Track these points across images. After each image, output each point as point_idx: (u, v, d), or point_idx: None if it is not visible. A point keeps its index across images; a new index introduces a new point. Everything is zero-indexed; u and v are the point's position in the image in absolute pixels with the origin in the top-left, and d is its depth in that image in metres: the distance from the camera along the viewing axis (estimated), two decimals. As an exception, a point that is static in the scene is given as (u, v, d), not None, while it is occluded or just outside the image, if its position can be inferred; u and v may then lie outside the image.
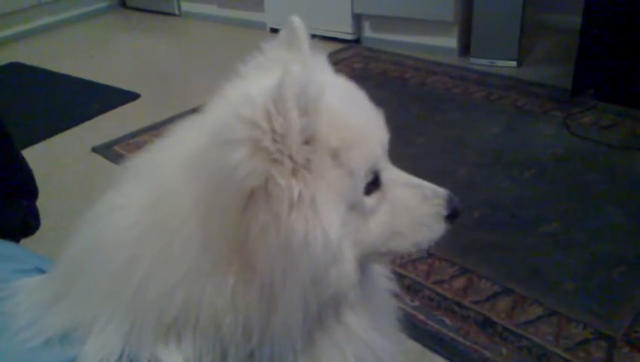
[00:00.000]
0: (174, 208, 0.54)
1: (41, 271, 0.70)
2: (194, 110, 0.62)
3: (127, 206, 0.56)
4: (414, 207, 0.64)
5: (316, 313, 0.56)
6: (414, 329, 1.39)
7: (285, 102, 0.48)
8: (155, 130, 2.55)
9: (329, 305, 0.58)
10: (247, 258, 0.52)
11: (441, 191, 0.66)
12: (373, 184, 0.60)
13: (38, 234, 1.18)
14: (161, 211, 0.54)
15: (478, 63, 2.97)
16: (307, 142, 0.52)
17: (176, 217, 0.53)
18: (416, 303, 1.49)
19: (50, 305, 0.57)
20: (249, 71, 0.64)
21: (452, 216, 0.66)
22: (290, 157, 0.50)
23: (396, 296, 0.75)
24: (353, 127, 0.58)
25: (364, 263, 0.62)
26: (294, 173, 0.51)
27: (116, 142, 2.52)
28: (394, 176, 0.65)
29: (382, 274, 0.74)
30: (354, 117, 0.60)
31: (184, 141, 0.58)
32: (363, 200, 0.59)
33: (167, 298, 0.52)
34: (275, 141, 0.49)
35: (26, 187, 1.19)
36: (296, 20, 0.66)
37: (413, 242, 0.65)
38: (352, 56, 3.28)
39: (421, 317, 1.45)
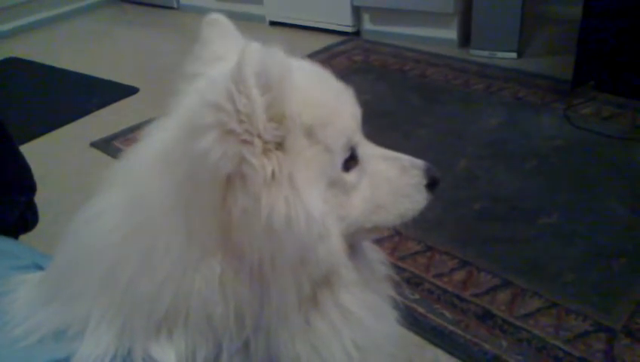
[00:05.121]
0: (153, 206, 0.53)
1: (39, 268, 0.70)
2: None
3: (108, 210, 0.56)
4: (394, 179, 0.65)
5: (310, 294, 0.56)
6: (414, 322, 1.40)
7: (245, 80, 0.48)
8: (154, 124, 2.54)
9: (323, 285, 0.58)
10: (233, 246, 0.51)
11: (419, 162, 0.67)
12: (352, 160, 0.61)
13: (37, 229, 1.18)
14: (140, 211, 0.54)
15: (478, 55, 2.95)
16: (277, 120, 0.51)
17: (156, 215, 0.53)
18: (417, 296, 1.49)
19: (45, 303, 0.57)
20: (203, 68, 0.64)
21: (432, 185, 0.67)
22: (259, 136, 0.50)
23: (394, 283, 0.75)
24: (325, 104, 0.58)
25: (352, 242, 0.62)
26: (265, 151, 0.51)
27: (115, 136, 2.52)
28: (371, 150, 0.65)
29: (377, 260, 0.75)
30: (325, 94, 0.60)
31: (155, 138, 0.58)
32: (343, 176, 0.59)
33: (156, 295, 0.52)
34: (241, 122, 0.49)
35: (24, 183, 1.18)
36: (215, 16, 0.67)
37: (396, 214, 0.66)
38: (352, 49, 3.26)
39: (421, 310, 1.45)
